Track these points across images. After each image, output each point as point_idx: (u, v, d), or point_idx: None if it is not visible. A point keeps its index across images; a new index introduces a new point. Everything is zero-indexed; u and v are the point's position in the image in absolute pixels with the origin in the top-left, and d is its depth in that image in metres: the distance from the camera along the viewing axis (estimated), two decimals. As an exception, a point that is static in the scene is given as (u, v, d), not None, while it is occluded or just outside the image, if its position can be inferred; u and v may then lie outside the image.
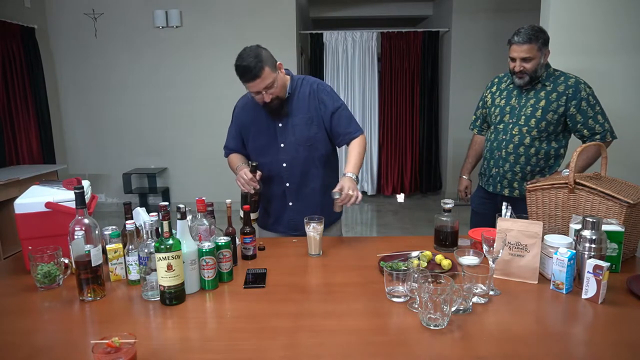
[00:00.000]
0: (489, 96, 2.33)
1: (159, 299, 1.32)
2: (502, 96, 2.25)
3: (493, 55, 5.65)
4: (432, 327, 1.16)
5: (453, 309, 1.18)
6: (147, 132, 5.70)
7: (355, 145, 1.95)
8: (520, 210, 1.82)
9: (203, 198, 1.56)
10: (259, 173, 1.87)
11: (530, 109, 2.13)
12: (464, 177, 2.50)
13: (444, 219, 1.71)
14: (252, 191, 1.86)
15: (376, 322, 1.22)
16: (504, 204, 1.74)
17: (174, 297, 1.30)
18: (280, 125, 1.93)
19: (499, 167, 2.24)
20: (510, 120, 2.18)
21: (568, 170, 2.11)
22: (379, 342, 1.12)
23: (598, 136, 2.10)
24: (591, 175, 1.69)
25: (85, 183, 1.66)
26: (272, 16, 5.38)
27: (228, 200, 1.67)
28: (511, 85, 2.22)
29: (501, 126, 2.22)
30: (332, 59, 6.19)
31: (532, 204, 1.75)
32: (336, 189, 1.74)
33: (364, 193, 6.52)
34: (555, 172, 2.16)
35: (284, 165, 1.94)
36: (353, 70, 6.20)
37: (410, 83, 6.17)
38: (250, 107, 1.98)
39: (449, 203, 1.71)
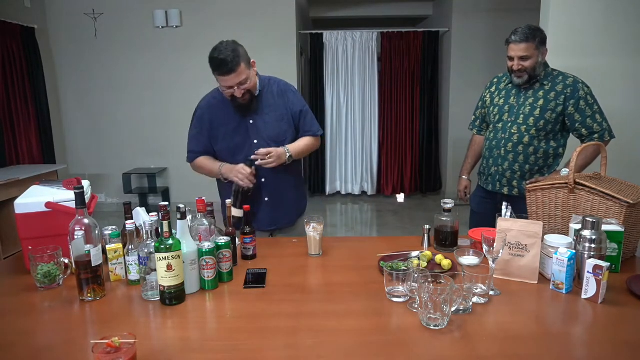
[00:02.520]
0: (488, 96, 2.35)
1: (159, 299, 1.32)
2: (501, 95, 2.27)
3: (493, 55, 5.64)
4: (432, 327, 1.16)
5: (453, 309, 1.18)
6: (147, 132, 5.70)
7: (309, 137, 2.06)
8: (519, 210, 1.83)
9: (203, 198, 1.56)
10: (253, 168, 1.88)
11: (529, 108, 2.14)
12: (464, 177, 2.51)
13: (444, 219, 1.71)
14: (251, 186, 1.86)
15: (376, 322, 1.22)
16: (504, 203, 1.74)
17: (174, 297, 1.30)
18: (251, 122, 1.95)
19: (498, 166, 2.25)
20: (509, 119, 2.20)
21: (567, 169, 2.12)
22: (379, 342, 1.12)
23: (596, 135, 2.11)
24: (591, 175, 1.69)
25: (85, 183, 1.66)
26: (272, 16, 5.38)
27: (228, 201, 1.68)
28: (510, 85, 2.23)
29: (500, 125, 2.24)
30: (332, 59, 6.19)
31: (532, 204, 1.75)
32: (265, 150, 1.86)
33: (364, 193, 6.52)
34: (554, 172, 2.18)
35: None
36: (353, 70, 6.20)
37: (410, 83, 6.17)
38: (217, 107, 1.98)
39: (449, 203, 1.71)
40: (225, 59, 1.74)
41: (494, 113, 2.27)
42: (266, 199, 2.00)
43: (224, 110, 1.95)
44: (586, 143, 2.07)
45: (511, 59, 2.10)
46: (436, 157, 6.37)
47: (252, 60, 1.87)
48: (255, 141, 1.94)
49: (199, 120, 2.01)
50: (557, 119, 2.12)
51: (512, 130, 2.18)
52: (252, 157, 1.87)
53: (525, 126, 2.15)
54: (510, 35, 2.09)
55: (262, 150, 1.87)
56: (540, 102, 2.12)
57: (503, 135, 2.22)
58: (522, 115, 2.15)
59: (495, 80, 2.35)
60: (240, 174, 1.84)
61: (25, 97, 4.81)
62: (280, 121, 1.98)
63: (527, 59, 2.06)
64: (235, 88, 1.81)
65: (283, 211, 2.05)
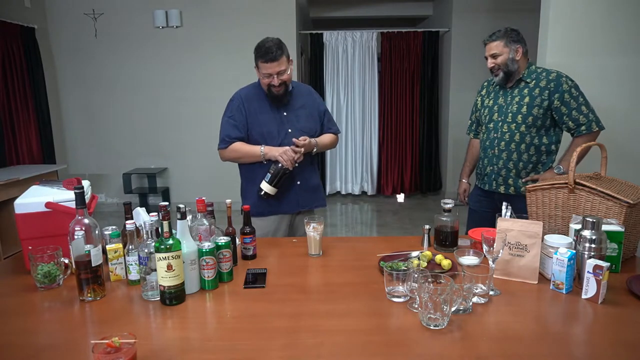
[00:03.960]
0: (479, 99, 2.45)
1: (159, 299, 1.32)
2: (490, 97, 2.37)
3: (493, 55, 5.64)
4: (432, 327, 1.16)
5: (453, 309, 1.18)
6: (147, 132, 5.70)
7: (331, 135, 2.30)
8: (517, 208, 1.84)
9: (203, 198, 1.56)
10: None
11: (516, 105, 2.22)
12: (464, 180, 2.57)
13: (444, 219, 1.71)
14: (291, 168, 2.02)
15: (376, 322, 1.22)
16: (504, 203, 1.74)
17: (174, 297, 1.30)
18: (285, 114, 2.14)
19: (493, 165, 2.31)
20: (499, 119, 2.27)
21: (561, 166, 2.16)
22: (379, 342, 1.12)
23: (583, 127, 2.16)
24: (591, 175, 1.69)
25: (85, 183, 1.66)
26: (272, 16, 5.38)
27: (228, 200, 1.67)
28: (497, 87, 2.33)
29: (491, 125, 2.31)
30: (332, 59, 6.19)
31: (532, 204, 1.75)
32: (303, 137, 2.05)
33: (364, 193, 6.52)
34: (549, 169, 2.22)
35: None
36: (353, 70, 6.20)
37: (410, 83, 6.17)
38: (253, 98, 2.14)
39: (449, 203, 1.71)
40: (271, 47, 1.96)
41: (485, 114, 2.36)
42: (298, 182, 2.17)
43: (259, 102, 2.13)
44: (578, 136, 2.18)
45: (486, 58, 2.24)
46: (436, 157, 6.37)
47: (291, 59, 2.06)
48: (290, 130, 2.12)
49: (236, 108, 2.13)
50: (546, 114, 2.18)
51: (503, 129, 2.25)
52: (294, 140, 2.05)
53: (514, 124, 2.21)
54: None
55: (301, 138, 2.05)
56: (526, 99, 2.19)
57: (495, 135, 2.29)
58: (510, 114, 2.23)
59: (485, 83, 2.45)
60: (286, 154, 2.00)
61: (25, 97, 4.81)
62: (310, 117, 2.20)
63: (497, 56, 2.18)
64: (275, 76, 1.99)
65: (311, 193, 2.24)
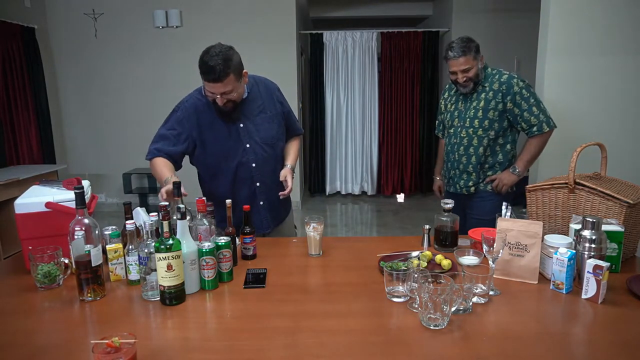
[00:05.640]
0: (442, 103, 2.51)
1: (159, 299, 1.32)
2: (451, 102, 2.42)
3: (493, 56, 5.62)
4: (432, 327, 1.16)
5: (453, 309, 1.18)
6: (148, 132, 5.63)
7: (296, 141, 2.14)
8: (480, 208, 2.14)
9: (203, 198, 1.56)
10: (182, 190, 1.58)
11: (473, 110, 2.28)
12: (437, 178, 2.68)
13: (444, 219, 1.71)
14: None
15: (376, 322, 1.22)
16: (504, 203, 1.74)
17: (174, 297, 1.30)
18: (241, 125, 1.88)
19: (456, 169, 2.39)
20: (459, 124, 2.34)
21: (517, 166, 2.26)
22: (379, 342, 1.12)
23: (535, 128, 2.23)
24: (591, 175, 1.69)
25: (85, 183, 1.66)
26: (272, 16, 5.38)
27: (228, 201, 1.67)
28: (457, 92, 2.37)
29: (452, 130, 2.39)
30: (332, 59, 6.19)
31: (532, 204, 1.75)
32: (283, 178, 1.93)
33: (364, 193, 6.52)
34: (505, 169, 2.30)
35: (254, 165, 1.92)
36: (353, 70, 6.20)
37: (410, 83, 6.17)
38: (204, 111, 1.87)
39: (449, 203, 1.71)
40: (214, 67, 1.66)
41: (447, 119, 2.43)
42: (261, 202, 1.98)
43: (211, 114, 1.86)
44: (531, 137, 2.26)
45: (454, 73, 2.24)
46: (436, 157, 6.37)
47: (244, 71, 1.79)
48: (248, 145, 1.89)
49: (180, 121, 1.88)
50: (502, 116, 2.24)
51: (462, 134, 2.32)
52: (281, 195, 1.91)
53: (472, 129, 2.28)
54: (446, 51, 2.23)
55: (283, 177, 1.93)
56: (482, 103, 2.25)
57: (455, 140, 2.36)
58: (468, 119, 2.29)
59: (447, 86, 2.49)
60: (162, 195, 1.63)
61: (25, 97, 4.81)
62: (271, 122, 1.94)
63: (468, 70, 2.20)
64: (218, 96, 1.74)
65: (276, 211, 2.06)
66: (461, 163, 2.34)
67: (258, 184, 1.95)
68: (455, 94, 2.38)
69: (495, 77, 2.24)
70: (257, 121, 1.90)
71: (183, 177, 1.73)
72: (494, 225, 2.03)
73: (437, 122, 2.63)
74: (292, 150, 2.09)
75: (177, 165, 1.91)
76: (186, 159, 1.98)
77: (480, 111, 2.24)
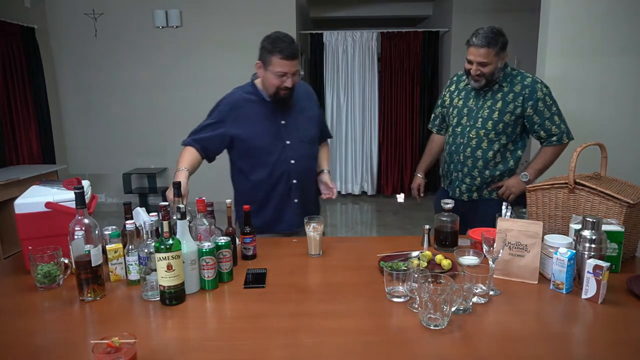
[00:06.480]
0: (447, 95, 2.29)
1: (159, 299, 1.32)
2: (460, 97, 2.21)
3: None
4: (432, 327, 1.16)
5: (453, 309, 1.18)
6: (147, 132, 5.69)
7: (327, 146, 2.19)
8: (484, 213, 1.90)
9: (203, 198, 1.56)
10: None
11: (487, 110, 2.10)
12: (419, 175, 2.49)
13: (444, 219, 1.71)
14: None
15: (376, 322, 1.22)
16: (504, 203, 1.74)
17: (174, 297, 1.30)
18: (283, 122, 1.92)
19: (458, 172, 2.22)
20: (468, 123, 2.15)
21: (527, 173, 2.10)
22: (379, 342, 1.12)
23: (554, 138, 2.10)
24: (591, 175, 1.69)
25: (85, 183, 1.66)
26: (272, 16, 5.37)
27: (228, 200, 1.67)
28: (469, 86, 2.17)
29: (459, 129, 2.19)
30: (332, 59, 6.19)
31: (532, 204, 1.75)
32: (328, 183, 1.98)
33: (364, 193, 6.52)
34: (514, 175, 2.15)
35: (292, 162, 1.94)
36: (353, 70, 6.20)
37: (410, 83, 6.17)
38: (249, 105, 1.91)
39: (449, 203, 1.71)
40: (293, 43, 1.74)
41: (453, 115, 2.22)
42: (295, 200, 1.99)
43: (255, 109, 1.90)
44: (548, 145, 2.11)
45: (470, 62, 2.04)
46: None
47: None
48: (288, 142, 1.92)
49: (222, 114, 1.92)
50: (517, 122, 2.08)
51: (471, 135, 2.14)
52: (324, 196, 2.00)
53: (483, 130, 2.10)
54: (471, 36, 2.04)
55: (329, 181, 2.00)
56: (499, 104, 2.07)
57: (462, 140, 2.17)
58: (480, 119, 2.11)
59: (455, 78, 2.30)
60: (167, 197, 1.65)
61: (25, 97, 4.81)
62: (310, 123, 2.00)
63: (486, 65, 2.00)
64: (289, 76, 1.77)
65: (308, 210, 2.02)
66: (466, 166, 2.17)
67: (294, 181, 1.96)
68: (465, 88, 2.19)
69: (516, 78, 2.07)
70: (298, 120, 1.95)
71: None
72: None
73: (433, 115, 2.43)
74: (326, 154, 2.15)
75: (209, 159, 1.98)
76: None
77: (497, 112, 2.06)
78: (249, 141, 1.92)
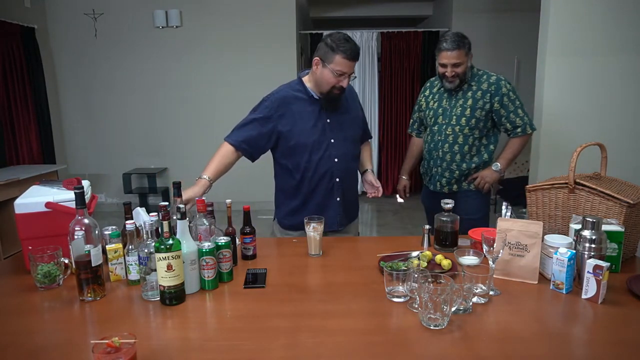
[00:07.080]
0: (423, 100, 2.48)
1: (159, 299, 1.32)
2: (435, 99, 2.40)
3: (493, 56, 5.64)
4: (432, 327, 1.16)
5: (453, 309, 1.18)
6: (147, 132, 5.70)
7: (369, 145, 2.23)
8: (462, 206, 2.05)
9: (203, 198, 1.56)
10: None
11: (460, 108, 2.29)
12: (403, 177, 2.64)
13: (444, 219, 1.71)
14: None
15: (376, 322, 1.22)
16: (504, 203, 1.74)
17: (174, 297, 1.30)
18: (328, 121, 1.93)
19: (438, 167, 2.39)
20: (444, 122, 2.34)
21: (498, 164, 2.33)
22: (379, 342, 1.12)
23: (519, 129, 2.31)
24: (591, 175, 1.69)
25: (85, 183, 1.66)
26: (272, 16, 5.38)
27: (228, 200, 1.67)
28: (442, 89, 2.36)
29: (436, 128, 2.37)
30: (332, 59, 6.18)
31: (532, 204, 1.75)
32: (373, 182, 2.03)
33: (363, 193, 6.51)
34: (488, 166, 2.34)
35: (336, 160, 1.95)
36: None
37: (411, 83, 6.17)
38: (296, 102, 1.91)
39: (449, 203, 1.71)
40: (356, 45, 1.80)
41: (430, 116, 2.41)
42: (337, 198, 1.99)
43: (303, 106, 1.91)
44: (514, 137, 2.34)
45: (444, 66, 2.22)
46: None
47: None
48: (333, 140, 1.93)
49: (270, 110, 1.89)
50: (487, 116, 2.28)
51: (447, 132, 2.32)
52: (370, 195, 2.03)
53: (458, 127, 2.29)
54: (441, 43, 2.22)
55: (373, 181, 2.03)
56: (470, 102, 2.27)
57: (439, 137, 2.35)
58: (454, 117, 2.30)
59: (428, 84, 2.50)
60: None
61: (25, 97, 4.81)
62: (353, 123, 2.02)
63: (459, 65, 2.19)
64: (347, 76, 1.81)
65: (349, 209, 2.07)
66: (445, 160, 2.34)
67: (337, 180, 1.96)
68: (439, 91, 2.38)
69: (483, 77, 2.28)
70: (343, 119, 1.97)
71: (221, 177, 1.76)
72: (483, 224, 2.06)
73: (411, 120, 2.61)
74: (369, 154, 2.19)
75: (253, 158, 1.96)
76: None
77: (468, 109, 2.26)
78: (296, 138, 1.90)
